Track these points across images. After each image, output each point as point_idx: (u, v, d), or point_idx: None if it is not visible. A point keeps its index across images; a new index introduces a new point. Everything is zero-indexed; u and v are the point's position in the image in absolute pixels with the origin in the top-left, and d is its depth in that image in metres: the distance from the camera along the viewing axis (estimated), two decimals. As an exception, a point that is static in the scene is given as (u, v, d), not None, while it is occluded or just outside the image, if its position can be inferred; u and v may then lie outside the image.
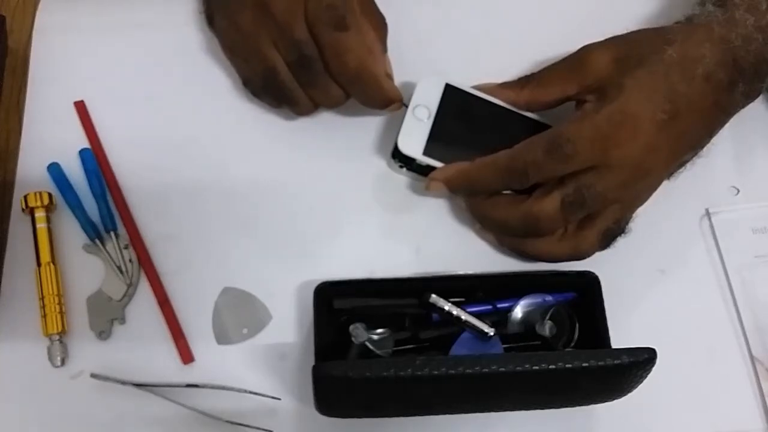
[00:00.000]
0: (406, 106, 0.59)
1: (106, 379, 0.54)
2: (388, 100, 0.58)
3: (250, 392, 0.54)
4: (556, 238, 0.57)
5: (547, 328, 0.54)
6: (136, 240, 0.59)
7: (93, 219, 0.59)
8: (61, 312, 0.56)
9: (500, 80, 0.60)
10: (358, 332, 0.53)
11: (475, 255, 0.60)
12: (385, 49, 0.60)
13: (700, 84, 0.54)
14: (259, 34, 0.57)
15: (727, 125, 0.58)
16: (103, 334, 0.56)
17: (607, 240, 0.57)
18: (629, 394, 0.52)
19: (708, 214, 0.61)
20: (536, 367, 0.48)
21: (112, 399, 0.55)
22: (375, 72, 0.57)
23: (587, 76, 0.56)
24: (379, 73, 0.58)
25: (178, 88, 0.63)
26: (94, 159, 0.61)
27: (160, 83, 0.63)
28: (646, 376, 0.51)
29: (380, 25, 0.60)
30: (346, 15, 0.55)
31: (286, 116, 0.62)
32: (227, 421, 0.54)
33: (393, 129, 0.61)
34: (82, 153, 0.61)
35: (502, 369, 0.48)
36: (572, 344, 0.55)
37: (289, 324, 0.57)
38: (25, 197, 0.58)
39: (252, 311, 0.58)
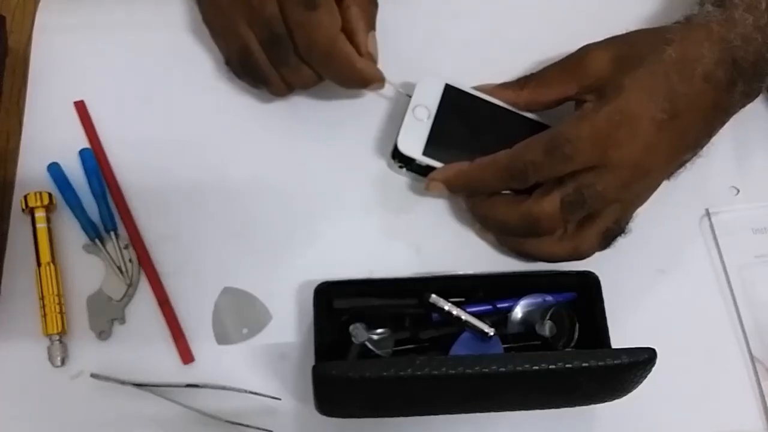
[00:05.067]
0: (408, 96, 0.58)
1: (106, 379, 0.54)
2: (363, 80, 0.58)
3: (250, 392, 0.54)
4: (556, 238, 0.57)
5: (547, 328, 0.54)
6: (136, 240, 0.59)
7: (93, 219, 0.59)
8: (61, 312, 0.56)
9: (500, 80, 0.60)
10: (358, 332, 0.53)
11: (475, 255, 0.60)
12: (372, 27, 0.59)
13: (699, 84, 0.54)
14: (234, 14, 0.57)
15: (727, 125, 0.58)
16: (103, 334, 0.56)
17: (607, 240, 0.57)
18: (629, 394, 0.52)
19: (708, 214, 0.61)
20: (536, 367, 0.48)
21: (112, 399, 0.55)
22: (346, 51, 0.56)
23: (586, 76, 0.56)
24: (350, 51, 0.57)
25: (179, 88, 0.63)
26: (94, 159, 0.61)
27: (160, 83, 0.63)
28: (646, 376, 0.51)
29: (367, 2, 0.59)
30: None
31: (287, 116, 0.62)
32: (227, 421, 0.54)
33: (393, 129, 0.61)
34: (82, 153, 0.61)
35: (502, 369, 0.48)
36: (572, 344, 0.55)
37: (289, 324, 0.57)
38: (25, 197, 0.58)
39: (252, 311, 0.58)
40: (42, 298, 0.56)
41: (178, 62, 0.64)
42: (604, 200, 0.54)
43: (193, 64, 0.64)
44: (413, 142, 0.58)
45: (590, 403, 0.54)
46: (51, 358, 0.55)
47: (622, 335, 0.55)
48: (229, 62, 0.61)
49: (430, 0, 0.67)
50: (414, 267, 0.59)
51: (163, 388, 0.55)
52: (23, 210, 0.58)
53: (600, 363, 0.48)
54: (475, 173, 0.56)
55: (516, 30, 0.66)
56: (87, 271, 0.58)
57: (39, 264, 0.57)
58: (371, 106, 0.63)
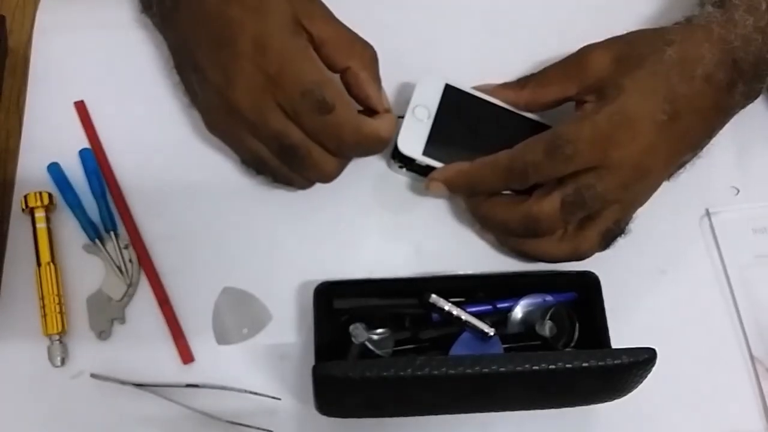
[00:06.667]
0: (400, 118, 0.58)
1: (106, 379, 0.54)
2: (390, 140, 0.57)
3: (250, 392, 0.54)
4: (556, 239, 0.56)
5: (547, 328, 0.54)
6: (136, 240, 0.59)
7: (93, 219, 0.59)
8: (61, 312, 0.56)
9: (500, 80, 0.60)
10: (358, 332, 0.53)
11: (475, 255, 0.60)
12: (379, 84, 0.57)
13: (699, 84, 0.54)
14: (235, 128, 0.55)
15: (727, 125, 0.58)
16: (103, 334, 0.56)
17: (607, 240, 0.57)
18: (629, 394, 0.52)
19: (708, 214, 0.61)
20: (536, 367, 0.48)
21: (112, 399, 0.55)
22: (371, 131, 0.55)
23: (587, 77, 0.56)
24: (375, 128, 0.55)
25: (178, 88, 0.63)
26: (94, 159, 0.61)
27: (160, 83, 0.63)
28: (646, 376, 0.51)
29: (370, 61, 0.57)
30: (324, 95, 0.52)
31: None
32: (227, 422, 0.54)
33: (393, 129, 0.60)
34: (82, 153, 0.61)
35: (503, 369, 0.48)
36: (572, 344, 0.55)
37: (289, 324, 0.57)
38: (25, 197, 0.58)
39: (252, 311, 0.58)
40: (42, 298, 0.56)
41: (178, 62, 0.64)
42: (604, 201, 0.54)
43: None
44: (413, 142, 0.58)
45: (590, 403, 0.54)
46: (51, 358, 0.55)
47: (622, 335, 0.55)
48: (244, 163, 0.59)
49: (430, 0, 0.67)
50: (414, 267, 0.59)
51: (163, 388, 0.54)
52: (23, 210, 0.58)
53: (600, 363, 0.48)
54: (476, 173, 0.56)
55: (516, 30, 0.66)
56: (87, 271, 0.58)
57: (39, 264, 0.57)
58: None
